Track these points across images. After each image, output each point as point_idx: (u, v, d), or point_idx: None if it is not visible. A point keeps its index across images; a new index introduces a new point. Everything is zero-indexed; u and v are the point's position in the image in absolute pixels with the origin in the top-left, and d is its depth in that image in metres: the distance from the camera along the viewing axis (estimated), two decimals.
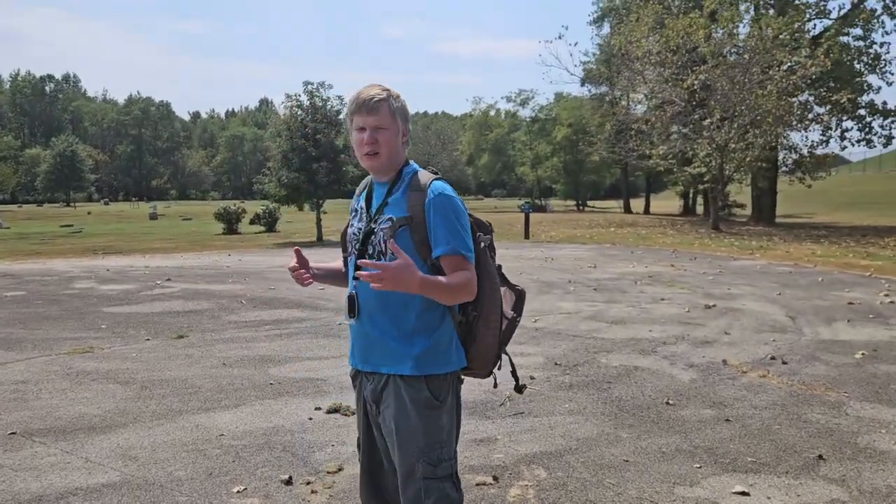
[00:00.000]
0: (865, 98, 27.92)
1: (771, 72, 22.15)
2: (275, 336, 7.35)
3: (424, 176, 2.30)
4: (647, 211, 51.87)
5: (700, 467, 3.85)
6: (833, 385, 5.42)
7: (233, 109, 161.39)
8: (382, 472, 2.40)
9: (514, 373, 2.43)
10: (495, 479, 3.71)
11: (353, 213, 2.45)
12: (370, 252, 2.29)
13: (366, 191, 2.42)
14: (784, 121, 23.02)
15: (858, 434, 4.34)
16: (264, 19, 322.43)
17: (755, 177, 28.77)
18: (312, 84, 21.95)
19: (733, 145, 22.82)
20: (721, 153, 23.31)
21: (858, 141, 28.66)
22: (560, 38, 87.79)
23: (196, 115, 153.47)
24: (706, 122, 23.22)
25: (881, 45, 27.26)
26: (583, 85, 53.02)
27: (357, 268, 2.13)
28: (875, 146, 28.73)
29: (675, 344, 6.86)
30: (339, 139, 22.12)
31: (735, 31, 24.08)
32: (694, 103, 24.82)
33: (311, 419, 4.69)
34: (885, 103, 27.91)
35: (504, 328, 2.35)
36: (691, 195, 51.12)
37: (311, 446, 4.20)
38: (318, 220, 22.62)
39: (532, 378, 5.65)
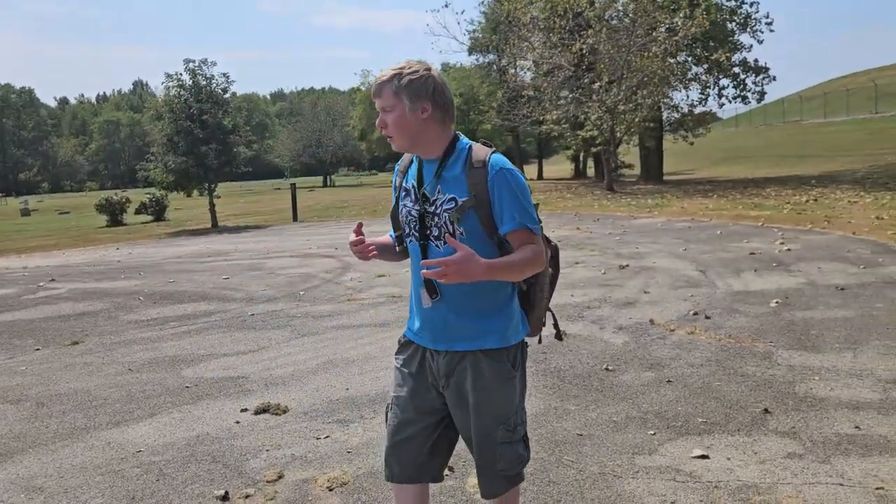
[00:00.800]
0: (738, 57, 29.26)
1: (654, 33, 22.78)
2: (183, 334, 6.81)
3: (481, 151, 2.23)
4: (540, 176, 52.97)
5: (654, 434, 3.77)
6: (758, 336, 5.53)
7: (105, 94, 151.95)
8: (412, 440, 2.36)
9: (556, 325, 2.47)
10: (450, 468, 3.50)
11: (404, 193, 2.36)
12: (435, 234, 2.24)
13: (414, 168, 2.33)
14: (668, 81, 23.80)
15: (794, 383, 4.41)
16: None
17: (642, 137, 29.72)
18: (194, 62, 20.74)
19: (622, 107, 23.39)
20: (611, 115, 23.85)
21: (734, 98, 30.08)
22: (447, 6, 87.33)
23: (64, 101, 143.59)
24: (595, 86, 23.66)
25: (751, 4, 28.25)
26: (470, 54, 53.00)
27: (422, 259, 2.19)
28: (750, 102, 30.29)
29: (599, 307, 6.85)
30: (228, 119, 21.07)
31: None
32: (584, 67, 25.22)
33: (238, 423, 4.31)
34: (756, 61, 29.36)
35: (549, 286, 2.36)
36: (581, 159, 52.61)
37: (243, 454, 3.84)
38: (212, 206, 21.55)
39: None
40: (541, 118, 27.16)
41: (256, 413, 4.45)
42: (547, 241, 2.34)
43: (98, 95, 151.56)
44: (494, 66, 54.22)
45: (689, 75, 27.70)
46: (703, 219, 14.35)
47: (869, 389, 4.23)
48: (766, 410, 3.98)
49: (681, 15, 23.84)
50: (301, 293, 8.60)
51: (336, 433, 4.06)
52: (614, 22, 25.67)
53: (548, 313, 2.41)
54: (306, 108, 75.40)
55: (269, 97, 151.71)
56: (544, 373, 4.92)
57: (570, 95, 25.43)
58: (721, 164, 45.78)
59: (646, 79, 22.73)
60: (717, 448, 3.54)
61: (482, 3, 51.30)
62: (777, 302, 6.61)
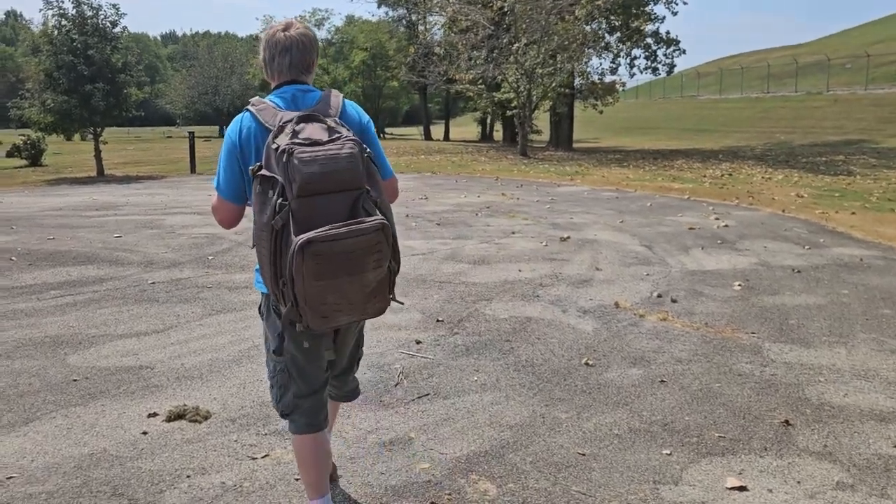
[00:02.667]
0: (650, 28, 29.41)
1: None
2: (67, 306, 5.67)
3: None
4: (446, 137, 52.28)
5: (670, 454, 3.16)
6: (737, 324, 5.06)
7: None
8: None
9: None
10: None
11: None
12: None
13: None
14: (587, 47, 23.49)
15: (801, 387, 3.92)
16: None
17: (555, 103, 29.49)
18: None
19: (540, 70, 22.91)
20: (529, 78, 23.34)
21: (645, 69, 30.33)
22: None
23: None
24: (514, 47, 23.02)
25: None
26: (379, 6, 51.19)
27: None
28: (660, 73, 30.60)
29: (552, 285, 6.24)
30: (117, 56, 18.96)
31: None
32: (503, 27, 24.50)
33: (145, 434, 3.39)
34: (668, 33, 29.62)
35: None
36: (489, 122, 52.23)
37: (154, 482, 2.94)
38: (98, 152, 19.47)
39: (418, 342, 4.70)
40: (454, 77, 26.23)
41: (169, 420, 3.52)
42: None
43: None
44: (404, 21, 52.73)
45: (602, 43, 27.58)
46: (627, 189, 14.09)
47: (884, 395, 3.80)
48: (786, 423, 3.45)
49: None
50: (209, 258, 7.52)
51: (277, 450, 3.22)
52: None
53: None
54: (202, 53, 70.88)
55: (159, 38, 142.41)
56: (515, 367, 4.24)
57: (487, 55, 24.67)
58: (623, 134, 46.70)
59: (566, 43, 22.27)
60: (751, 475, 2.97)
61: None
62: (740, 285, 6.21)
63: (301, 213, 2.01)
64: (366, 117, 2.46)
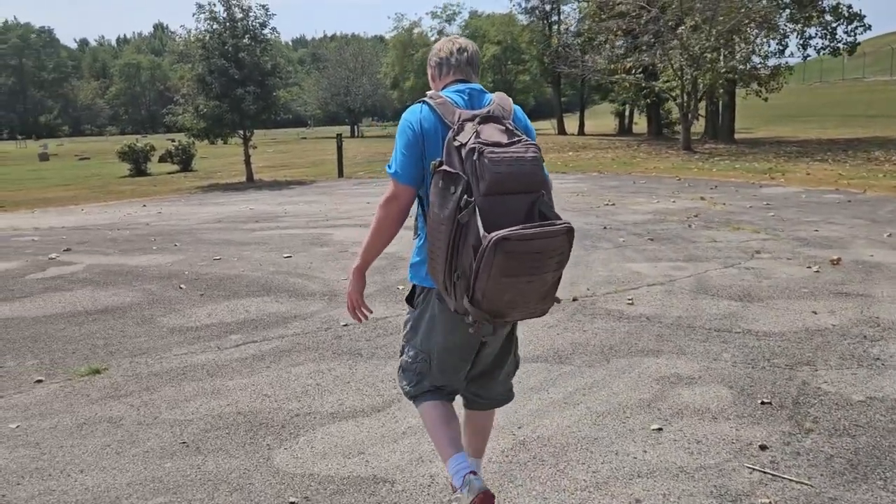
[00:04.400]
0: (829, 2, 26.09)
1: None
2: (254, 360, 4.54)
3: None
4: (580, 131, 49.94)
5: None
6: None
7: (125, 36, 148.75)
8: None
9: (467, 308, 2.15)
10: None
11: None
12: None
13: None
14: (768, 25, 20.90)
15: None
16: None
17: (716, 90, 26.81)
18: None
19: (710, 55, 20.56)
20: (696, 64, 21.02)
21: (823, 48, 26.98)
22: None
23: (84, 43, 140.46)
24: (680, 30, 20.77)
25: None
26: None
27: None
28: (841, 54, 27.15)
29: (882, 338, 4.48)
30: (266, 59, 18.54)
31: None
32: (659, 7, 22.26)
33: None
34: (850, 7, 26.15)
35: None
36: (627, 113, 49.43)
37: None
38: (247, 157, 19.18)
39: (764, 448, 3.14)
40: (611, 66, 24.13)
41: None
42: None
43: (118, 38, 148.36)
44: (537, 12, 50.88)
45: (778, 21, 24.63)
46: (850, 189, 11.80)
47: None
48: None
49: None
50: (399, 288, 6.29)
51: None
52: None
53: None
54: (332, 55, 71.90)
55: (290, 43, 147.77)
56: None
57: (646, 40, 22.48)
58: (779, 123, 42.58)
59: (745, 21, 19.82)
60: None
61: None
62: None
63: (486, 211, 2.05)
64: (531, 124, 2.47)
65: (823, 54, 27.62)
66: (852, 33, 26.38)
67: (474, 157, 2.07)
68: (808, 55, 27.55)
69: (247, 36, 18.23)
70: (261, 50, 18.34)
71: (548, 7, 50.01)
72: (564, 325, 5.03)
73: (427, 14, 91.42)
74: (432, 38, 59.28)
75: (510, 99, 2.41)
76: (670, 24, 21.25)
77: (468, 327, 2.20)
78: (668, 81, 22.74)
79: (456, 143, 2.14)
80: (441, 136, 2.24)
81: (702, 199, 11.28)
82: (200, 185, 18.80)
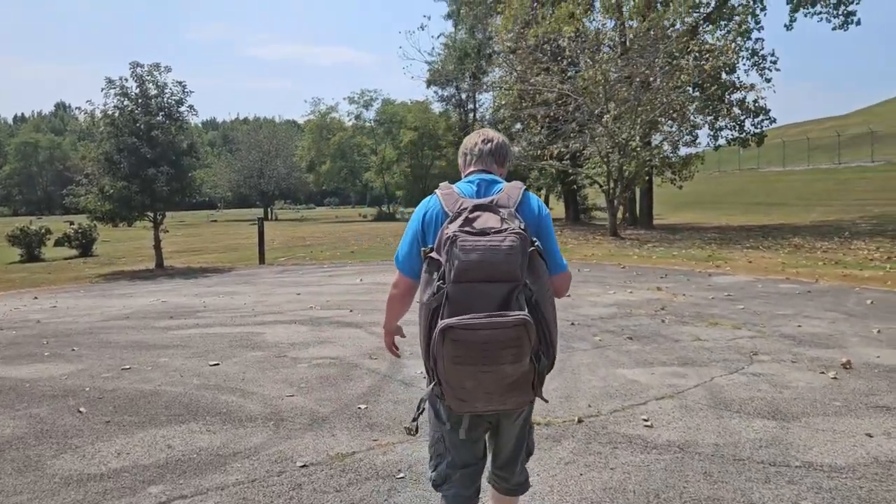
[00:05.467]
0: (737, 96, 27.35)
1: (682, 62, 20.40)
2: None
3: None
4: None
5: None
6: None
7: (22, 114, 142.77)
8: None
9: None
10: None
11: None
12: None
13: None
14: (682, 117, 21.43)
15: None
16: (39, 9, 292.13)
17: (636, 178, 27.31)
18: (142, 66, 16.94)
19: (634, 143, 20.79)
20: (623, 151, 21.22)
21: (733, 140, 28.11)
22: (423, 28, 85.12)
23: None
24: (605, 118, 21.00)
25: (755, 41, 26.53)
26: (429, 86, 50.24)
27: None
28: (750, 145, 28.32)
29: None
30: (181, 137, 17.31)
31: (637, 19, 22.10)
32: (582, 97, 22.58)
33: None
34: (755, 101, 27.47)
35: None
36: (544, 197, 50.34)
37: None
38: (157, 242, 17.58)
39: None
40: (538, 153, 24.09)
41: None
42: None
43: (15, 116, 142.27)
44: (453, 100, 51.80)
45: (689, 112, 25.51)
46: (802, 279, 11.55)
47: None
48: None
49: (701, 44, 21.64)
50: (361, 407, 5.15)
51: None
52: (606, 50, 23.38)
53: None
54: (244, 137, 70.54)
55: (200, 125, 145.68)
56: None
57: (573, 127, 22.63)
58: (685, 210, 44.15)
59: (672, 111, 20.21)
60: None
61: (443, 34, 48.85)
62: None
63: (455, 298, 2.11)
64: (545, 210, 2.49)
65: (733, 145, 28.72)
66: (759, 126, 27.64)
67: (447, 245, 2.15)
68: (720, 145, 28.59)
69: (161, 113, 17.00)
70: (176, 128, 17.11)
71: (464, 96, 51.05)
72: (584, 459, 4.04)
73: (344, 99, 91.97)
74: (349, 123, 59.31)
75: (522, 188, 2.44)
76: (596, 112, 21.49)
77: (454, 419, 2.42)
78: (593, 168, 22.86)
79: (446, 231, 2.20)
80: (441, 225, 2.30)
81: (658, 289, 10.71)
82: (103, 272, 17.00)
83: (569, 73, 24.09)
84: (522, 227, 2.23)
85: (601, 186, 23.57)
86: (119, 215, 16.67)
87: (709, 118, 26.90)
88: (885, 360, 6.10)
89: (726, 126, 28.01)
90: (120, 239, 29.38)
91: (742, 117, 27.38)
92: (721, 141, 27.96)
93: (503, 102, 31.32)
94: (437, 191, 2.46)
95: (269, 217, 61.04)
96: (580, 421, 4.68)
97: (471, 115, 50.03)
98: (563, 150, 22.33)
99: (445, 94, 51.46)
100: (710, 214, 40.46)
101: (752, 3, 28.04)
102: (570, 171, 24.06)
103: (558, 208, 50.54)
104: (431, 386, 2.23)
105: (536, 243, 2.25)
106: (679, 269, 13.33)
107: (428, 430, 2.64)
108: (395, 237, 27.82)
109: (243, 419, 4.92)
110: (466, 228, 2.18)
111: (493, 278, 2.11)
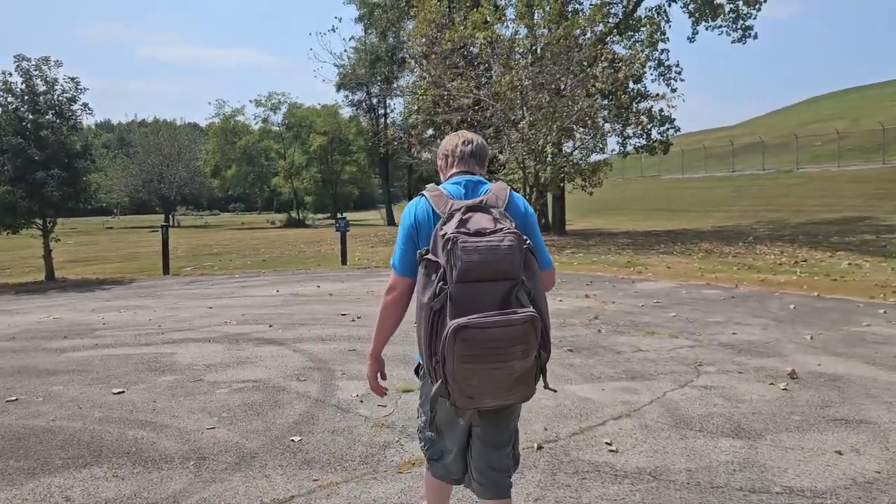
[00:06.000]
0: (644, 105, 28.08)
1: (596, 70, 20.62)
2: None
3: None
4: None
5: None
6: None
7: None
8: None
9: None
10: None
11: None
12: None
13: None
14: (594, 125, 21.72)
15: None
16: None
17: (549, 184, 27.57)
18: (29, 60, 15.54)
19: (549, 150, 20.89)
20: (539, 158, 21.28)
21: (640, 147, 28.83)
22: (334, 30, 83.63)
23: None
24: (521, 124, 21.00)
25: (661, 51, 27.28)
26: (339, 90, 49.36)
27: None
28: (657, 153, 29.12)
29: None
30: (74, 138, 15.99)
31: (549, 26, 22.17)
32: (499, 102, 22.53)
33: None
34: (661, 111, 28.28)
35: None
36: None
37: None
38: (48, 251, 16.14)
39: None
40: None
41: None
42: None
43: None
44: (364, 105, 51.10)
45: (601, 120, 25.97)
46: (724, 284, 11.70)
47: None
48: None
49: (611, 52, 21.99)
50: (295, 440, 4.59)
51: None
52: (520, 59, 23.50)
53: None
54: (142, 139, 67.13)
55: (94, 127, 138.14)
56: None
57: (489, 133, 22.51)
58: (592, 216, 45.21)
59: (586, 118, 20.39)
60: None
61: (353, 37, 48.12)
62: None
63: (459, 298, 2.15)
64: (530, 209, 2.56)
65: (641, 153, 29.47)
66: (664, 134, 28.46)
67: (448, 246, 2.18)
68: (628, 153, 29.28)
69: (51, 112, 15.64)
70: (68, 128, 15.78)
71: (374, 100, 50.44)
72: (553, 494, 3.65)
73: (251, 102, 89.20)
74: (256, 126, 57.52)
75: (507, 188, 2.51)
76: (512, 118, 21.46)
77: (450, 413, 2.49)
78: (509, 175, 22.83)
79: (441, 233, 2.25)
80: (433, 227, 2.35)
81: (587, 296, 10.57)
82: None
83: (484, 79, 23.98)
84: (514, 226, 2.28)
85: (516, 192, 23.53)
86: (2, 223, 15.18)
87: (617, 126, 27.51)
88: (826, 367, 6.05)
89: (634, 134, 28.73)
90: (2, 248, 27.13)
91: (649, 126, 28.13)
92: (629, 148, 28.60)
93: (415, 107, 31.07)
94: (424, 192, 2.49)
95: (171, 223, 58.38)
96: (540, 448, 4.31)
97: (382, 120, 49.47)
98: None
99: (356, 98, 50.76)
100: (616, 220, 41.57)
101: (656, 15, 28.98)
102: (486, 177, 23.90)
103: None
104: (437, 386, 2.23)
105: (528, 242, 2.29)
106: (603, 276, 13.31)
107: (419, 412, 2.76)
108: (308, 244, 26.95)
109: (157, 459, 4.27)
110: (462, 230, 2.20)
111: (495, 277, 2.17)
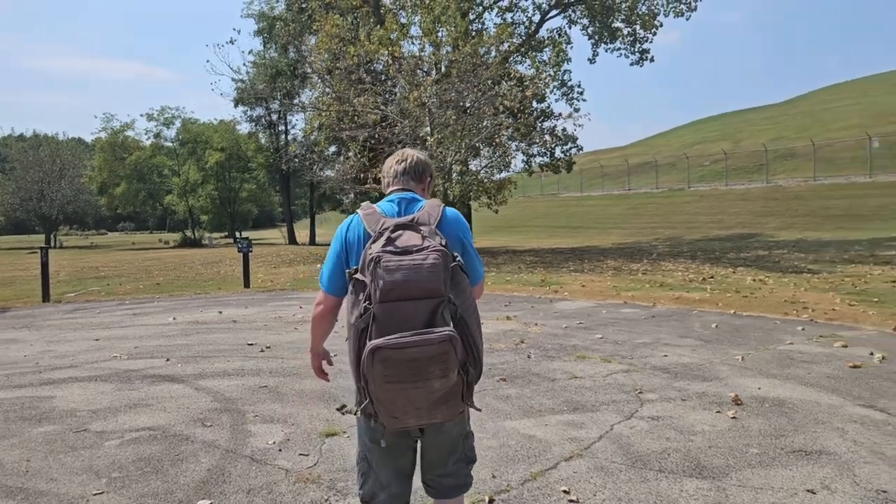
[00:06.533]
0: (548, 125, 28.47)
1: (503, 88, 20.55)
2: None
3: None
4: (312, 241, 48.68)
5: None
6: None
7: None
8: None
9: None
10: None
11: None
12: None
13: None
14: (501, 143, 21.68)
15: None
16: None
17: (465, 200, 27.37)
18: None
19: (457, 167, 20.65)
20: (446, 176, 20.99)
21: (545, 166, 29.17)
22: (232, 42, 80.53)
23: None
24: (429, 142, 20.66)
25: (564, 72, 27.74)
26: (237, 106, 47.65)
27: None
28: (561, 171, 29.52)
29: None
30: None
31: (460, 43, 21.91)
32: (405, 122, 22.14)
33: None
34: (564, 130, 28.74)
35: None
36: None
37: None
38: None
39: None
40: (362, 176, 23.19)
41: None
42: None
43: None
44: (263, 121, 49.59)
45: (504, 137, 26.04)
46: (637, 302, 11.65)
47: None
48: None
49: (515, 71, 22.04)
50: None
51: None
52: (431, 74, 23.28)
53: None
54: (20, 155, 62.44)
55: None
56: None
57: (396, 150, 22.00)
58: (493, 234, 45.57)
59: (495, 137, 20.26)
60: None
61: (251, 51, 46.61)
62: None
63: (382, 317, 2.13)
64: (464, 224, 2.57)
65: (546, 171, 29.83)
66: (567, 153, 28.94)
67: (372, 266, 2.17)
68: (533, 171, 29.56)
69: None
70: None
71: (274, 116, 49.04)
72: None
73: (142, 116, 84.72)
74: (147, 142, 54.69)
75: (441, 205, 2.50)
76: (420, 135, 21.09)
77: (378, 435, 2.46)
78: None
79: (369, 252, 2.23)
80: (364, 245, 2.34)
81: (507, 318, 10.21)
82: None
83: (390, 96, 23.54)
84: (444, 243, 2.26)
85: None
86: None
87: (522, 145, 27.72)
88: (766, 391, 5.88)
89: (538, 153, 29.06)
90: None
91: (553, 145, 28.52)
92: (534, 167, 28.88)
93: (316, 125, 30.23)
94: (359, 211, 2.51)
95: (53, 244, 54.47)
96: (492, 501, 3.81)
97: (283, 136, 48.13)
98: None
99: (255, 114, 49.19)
100: (521, 237, 42.00)
101: (558, 36, 29.54)
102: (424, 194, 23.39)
103: None
104: (363, 405, 2.25)
105: (458, 259, 2.28)
106: (519, 296, 13.03)
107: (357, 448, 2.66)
108: (205, 265, 25.54)
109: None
110: (389, 248, 2.21)
111: (418, 296, 2.14)
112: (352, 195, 32.53)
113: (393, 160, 2.71)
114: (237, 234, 56.60)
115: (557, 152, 28.90)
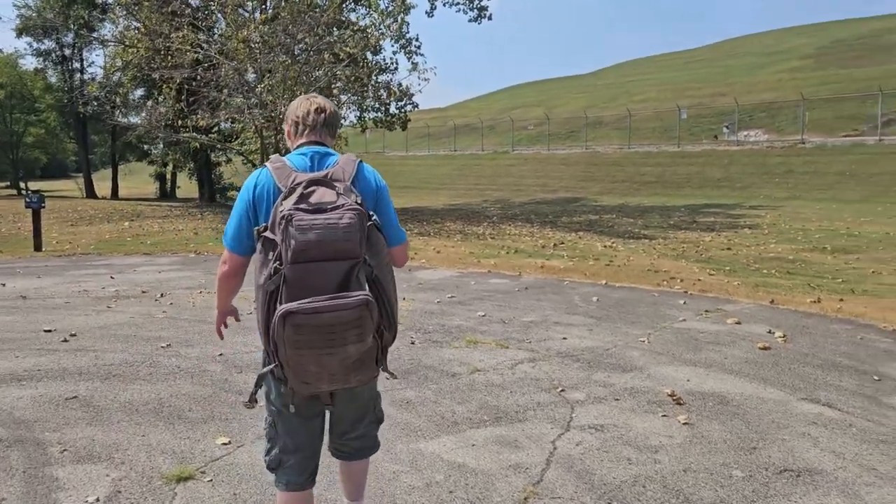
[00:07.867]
0: (383, 78, 27.10)
1: (345, 35, 18.82)
2: None
3: None
4: (115, 195, 43.70)
5: None
6: None
7: None
8: None
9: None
10: None
11: None
12: None
13: None
14: (333, 95, 20.07)
15: None
16: None
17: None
18: None
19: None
20: (277, 127, 19.01)
21: (379, 122, 27.87)
22: None
23: None
24: (259, 88, 18.54)
25: (402, 23, 26.35)
26: (20, 36, 41.06)
27: None
28: (395, 128, 28.33)
29: None
30: None
31: None
32: (231, 63, 19.74)
33: None
34: (400, 85, 27.47)
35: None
36: (169, 176, 45.24)
37: None
38: None
39: None
40: (195, 124, 20.28)
41: None
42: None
43: None
44: (53, 56, 43.34)
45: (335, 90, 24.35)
46: (503, 271, 10.89)
47: None
48: None
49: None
50: None
51: None
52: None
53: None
54: None
55: None
56: None
57: (223, 96, 19.59)
58: None
59: (328, 88, 18.57)
60: None
61: None
62: None
63: (294, 279, 2.01)
64: (382, 183, 2.44)
65: (380, 127, 28.58)
66: (402, 110, 27.82)
67: (283, 225, 2.04)
68: (367, 127, 28.16)
69: None
70: None
71: (67, 51, 42.96)
72: None
73: None
74: None
75: (357, 160, 2.34)
76: (250, 81, 18.89)
77: (288, 398, 2.29)
78: (244, 144, 20.20)
79: (280, 209, 2.09)
80: (274, 201, 2.19)
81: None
82: None
83: (212, 33, 20.92)
84: (359, 201, 2.16)
85: (253, 164, 21.05)
86: None
87: (355, 98, 26.17)
88: (697, 383, 5.22)
89: (371, 107, 27.67)
90: None
91: (388, 100, 27.22)
92: (367, 122, 27.50)
93: (119, 63, 26.59)
94: (267, 164, 2.34)
95: None
96: None
97: (78, 75, 42.32)
98: (210, 121, 19.17)
99: (43, 47, 42.71)
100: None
101: None
102: (220, 146, 21.00)
103: (190, 188, 45.97)
104: (271, 367, 2.14)
105: (374, 218, 2.20)
106: None
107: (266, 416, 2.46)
108: (24, 220, 21.51)
109: None
110: (302, 205, 2.08)
111: (332, 257, 2.05)
112: (162, 145, 29.26)
113: (310, 107, 2.43)
114: (23, 186, 49.71)
115: (392, 108, 27.65)
